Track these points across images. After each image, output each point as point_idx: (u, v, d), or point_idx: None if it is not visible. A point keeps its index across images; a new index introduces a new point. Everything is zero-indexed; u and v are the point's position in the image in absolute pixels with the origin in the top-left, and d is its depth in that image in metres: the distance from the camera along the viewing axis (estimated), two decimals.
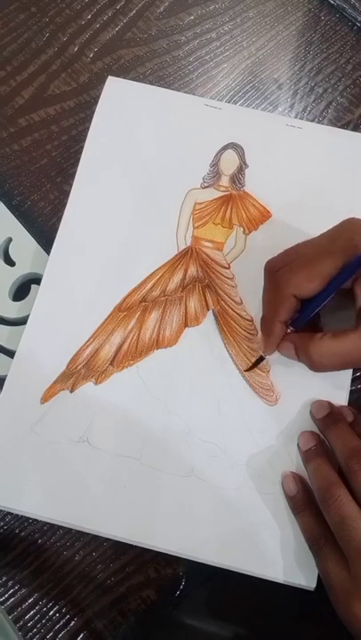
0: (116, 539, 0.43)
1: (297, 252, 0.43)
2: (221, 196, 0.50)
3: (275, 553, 0.42)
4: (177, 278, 0.48)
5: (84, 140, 0.51)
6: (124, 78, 0.54)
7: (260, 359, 0.46)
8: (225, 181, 0.50)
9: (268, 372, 0.46)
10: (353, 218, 0.41)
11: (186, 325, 0.47)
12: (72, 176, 0.50)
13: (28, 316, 0.47)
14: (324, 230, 0.42)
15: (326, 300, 0.41)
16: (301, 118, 0.55)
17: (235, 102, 0.55)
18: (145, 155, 0.51)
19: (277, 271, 0.43)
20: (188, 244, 0.49)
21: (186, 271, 0.48)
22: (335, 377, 0.46)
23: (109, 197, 0.50)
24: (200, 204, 0.50)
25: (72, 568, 0.45)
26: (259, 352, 0.46)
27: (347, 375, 0.46)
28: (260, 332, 0.46)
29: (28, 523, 0.45)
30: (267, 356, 0.45)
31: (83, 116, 0.54)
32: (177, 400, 0.45)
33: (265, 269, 0.44)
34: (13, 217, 0.51)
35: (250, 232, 0.49)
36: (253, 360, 0.46)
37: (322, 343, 0.41)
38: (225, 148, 0.51)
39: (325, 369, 0.42)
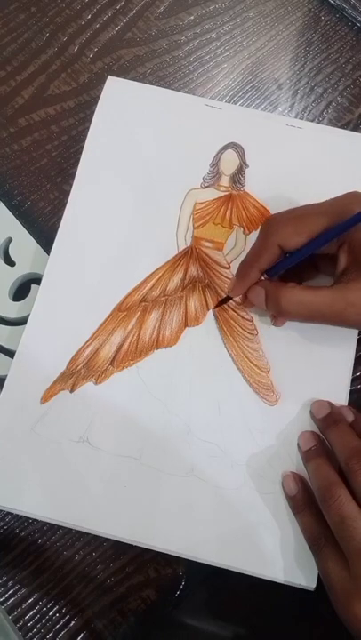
0: (116, 539, 0.43)
1: (292, 210, 0.43)
2: (221, 196, 0.50)
3: (275, 553, 0.42)
4: (177, 278, 0.48)
5: (84, 140, 0.51)
6: (124, 78, 0.54)
7: (227, 299, 0.46)
8: (225, 181, 0.50)
9: (268, 371, 0.46)
10: (356, 191, 0.42)
11: (186, 325, 0.47)
12: (72, 176, 0.50)
13: (28, 316, 0.47)
14: None
15: (307, 253, 0.42)
16: (301, 118, 0.55)
17: (235, 102, 0.55)
18: (145, 155, 0.51)
19: (268, 223, 0.43)
20: (188, 243, 0.49)
21: (186, 271, 0.48)
22: (335, 377, 0.46)
23: (109, 197, 0.50)
24: (200, 203, 0.50)
25: (72, 568, 0.45)
26: (259, 352, 0.46)
27: (347, 375, 0.46)
28: (261, 335, 0.46)
29: (28, 523, 0.45)
30: (235, 298, 0.46)
31: (83, 115, 0.54)
32: (177, 400, 0.45)
33: (262, 224, 0.45)
34: (13, 217, 0.51)
35: (250, 232, 0.49)
36: (253, 360, 0.46)
37: (293, 290, 0.42)
38: (225, 147, 0.51)
39: (291, 316, 0.43)
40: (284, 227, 0.42)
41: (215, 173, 0.50)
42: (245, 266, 0.44)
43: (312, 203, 0.43)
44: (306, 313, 0.41)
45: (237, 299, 0.47)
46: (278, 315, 0.43)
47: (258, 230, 0.49)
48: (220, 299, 0.47)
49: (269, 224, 0.43)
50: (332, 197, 0.42)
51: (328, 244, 0.42)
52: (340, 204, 0.41)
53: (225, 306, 0.47)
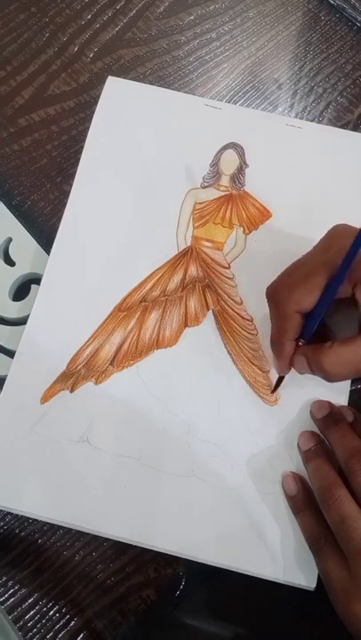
0: (116, 539, 0.43)
1: (292, 271, 0.42)
2: (221, 196, 0.50)
3: (275, 553, 0.42)
4: (177, 278, 0.48)
5: (84, 140, 0.51)
6: (124, 78, 0.54)
7: (281, 379, 0.45)
8: (225, 181, 0.50)
9: (268, 372, 0.46)
10: (339, 225, 0.41)
11: (186, 325, 0.47)
12: (72, 176, 0.50)
13: (28, 316, 0.47)
14: (324, 230, 0.42)
15: (325, 307, 0.41)
16: (301, 118, 0.55)
17: (235, 102, 0.55)
18: (145, 154, 0.51)
19: (276, 292, 0.42)
20: (189, 243, 0.49)
21: (186, 271, 0.48)
22: None
23: (109, 197, 0.50)
24: (200, 203, 0.50)
25: (72, 568, 0.45)
26: (259, 352, 0.46)
27: None
28: (261, 335, 0.46)
29: (28, 523, 0.45)
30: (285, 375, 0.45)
31: (83, 115, 0.54)
32: (177, 400, 0.45)
33: (266, 295, 0.43)
34: (13, 217, 0.51)
35: (250, 232, 0.49)
36: (253, 360, 0.46)
37: (332, 351, 0.40)
38: (225, 147, 0.51)
39: (341, 378, 0.41)
40: (294, 292, 0.41)
41: (215, 173, 0.50)
42: (277, 343, 0.43)
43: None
44: (352, 369, 0.40)
45: (244, 305, 0.47)
46: (326, 379, 0.41)
47: (258, 230, 0.49)
48: (220, 299, 0.47)
49: (277, 294, 0.42)
50: (319, 241, 0.41)
51: (341, 289, 0.40)
52: (335, 244, 0.40)
53: (225, 306, 0.47)
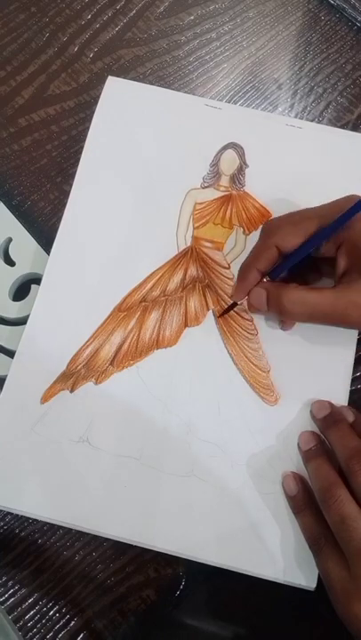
0: (116, 539, 0.43)
1: (291, 214, 0.44)
2: (221, 196, 0.50)
3: (275, 553, 0.42)
4: (177, 278, 0.48)
5: (84, 140, 0.51)
6: (124, 78, 0.54)
7: (233, 305, 0.46)
8: (225, 181, 0.50)
9: (268, 371, 0.46)
10: (354, 194, 0.42)
11: (186, 325, 0.47)
12: (72, 176, 0.50)
13: (28, 316, 0.47)
14: None
15: (304, 253, 0.42)
16: (301, 118, 0.55)
17: (235, 102, 0.55)
18: (145, 155, 0.51)
19: (268, 225, 0.44)
20: (188, 244, 0.49)
21: (186, 271, 0.48)
22: (335, 377, 0.46)
23: (109, 197, 0.50)
24: (200, 203, 0.50)
25: (72, 568, 0.45)
26: (259, 352, 0.46)
27: (347, 375, 0.46)
28: (261, 335, 0.46)
29: (28, 523, 0.45)
30: (239, 302, 0.46)
31: (83, 115, 0.54)
32: (177, 400, 0.45)
33: (261, 227, 0.45)
34: (13, 217, 0.51)
35: (250, 232, 0.49)
36: (253, 360, 0.46)
37: (295, 290, 0.42)
38: (225, 147, 0.51)
39: (292, 316, 0.43)
40: (282, 228, 0.43)
41: (215, 173, 0.50)
42: (245, 268, 0.45)
43: (311, 203, 0.44)
44: (308, 312, 0.42)
45: (244, 304, 0.47)
46: (280, 315, 0.43)
47: (258, 230, 0.49)
48: (220, 299, 0.47)
49: (267, 227, 0.44)
50: (331, 201, 0.43)
51: (326, 246, 0.42)
52: (337, 205, 0.42)
53: (225, 305, 0.47)
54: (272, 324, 0.47)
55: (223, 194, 0.50)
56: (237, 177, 0.50)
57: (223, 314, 0.47)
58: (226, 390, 0.45)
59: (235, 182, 0.50)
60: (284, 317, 0.43)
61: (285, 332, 0.46)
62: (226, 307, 0.47)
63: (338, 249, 0.42)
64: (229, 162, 0.50)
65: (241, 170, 0.50)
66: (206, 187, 0.50)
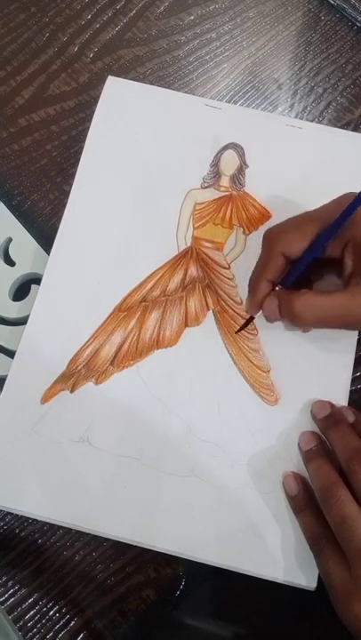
0: (116, 539, 0.43)
1: (292, 219, 0.44)
2: (221, 197, 0.50)
3: (275, 553, 0.42)
4: (177, 278, 0.48)
5: (84, 140, 0.51)
6: (124, 78, 0.54)
7: (250, 319, 0.46)
8: (225, 181, 0.50)
9: (268, 372, 0.46)
10: (350, 192, 0.42)
11: (186, 325, 0.47)
12: (72, 176, 0.50)
13: (28, 316, 0.47)
14: None
15: (312, 256, 0.42)
16: (301, 118, 0.55)
17: (235, 102, 0.55)
18: (145, 155, 0.51)
19: (270, 233, 0.44)
20: (189, 244, 0.49)
21: (186, 271, 0.48)
22: (335, 377, 0.46)
23: (109, 197, 0.50)
24: (200, 204, 0.50)
25: (72, 568, 0.45)
26: (259, 352, 0.46)
27: (347, 375, 0.46)
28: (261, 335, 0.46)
29: (27, 523, 0.45)
30: (256, 316, 0.46)
31: (83, 115, 0.54)
32: (177, 400, 0.45)
33: (263, 236, 0.45)
34: (13, 217, 0.51)
35: (250, 232, 0.49)
36: (253, 360, 0.46)
37: (306, 296, 0.41)
38: (225, 148, 0.51)
39: (305, 323, 0.42)
40: (285, 235, 0.43)
41: (215, 174, 0.50)
42: (255, 281, 0.45)
43: (312, 203, 0.43)
44: (320, 317, 0.41)
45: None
46: (293, 322, 0.42)
47: (258, 231, 0.49)
48: (220, 299, 0.47)
49: (270, 235, 0.44)
50: (329, 202, 0.43)
51: (331, 246, 0.42)
52: (337, 203, 0.42)
53: (225, 306, 0.47)
54: (272, 324, 0.47)
55: (223, 194, 0.50)
56: (237, 177, 0.50)
57: (240, 330, 0.46)
58: (226, 390, 0.45)
59: (235, 182, 0.50)
60: (297, 324, 0.43)
61: (283, 330, 0.46)
62: (243, 323, 0.46)
63: (344, 249, 0.42)
64: (229, 162, 0.50)
65: (241, 170, 0.50)
66: (206, 187, 0.50)
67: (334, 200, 0.42)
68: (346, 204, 0.40)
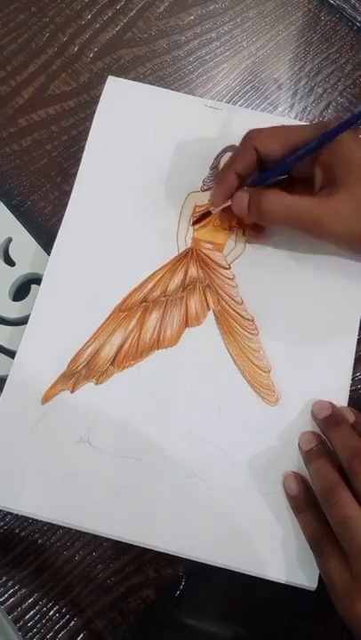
0: (116, 539, 0.43)
1: (275, 125, 0.45)
2: None
3: (276, 553, 0.42)
4: (177, 279, 0.48)
5: (84, 140, 0.51)
6: (124, 78, 0.54)
7: (207, 214, 0.46)
8: None
9: (268, 372, 0.46)
10: (328, 119, 0.44)
11: (186, 325, 0.47)
12: (72, 176, 0.50)
13: (28, 316, 0.47)
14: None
15: (289, 165, 0.43)
16: (301, 119, 0.55)
17: (235, 102, 0.55)
18: (145, 155, 0.51)
19: (250, 131, 0.45)
20: (189, 245, 0.49)
21: (186, 272, 0.48)
22: (335, 377, 0.46)
23: (110, 198, 0.50)
24: (200, 206, 0.49)
25: (72, 568, 0.45)
26: (259, 352, 0.46)
27: (347, 375, 0.46)
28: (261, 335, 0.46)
29: (28, 523, 0.45)
30: (214, 211, 0.46)
31: (83, 116, 0.54)
32: (177, 400, 0.45)
33: (243, 135, 0.45)
34: (13, 217, 0.51)
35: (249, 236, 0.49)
36: (253, 360, 0.46)
37: (276, 194, 0.42)
38: (225, 150, 0.51)
39: (270, 219, 0.43)
40: (263, 132, 0.44)
41: (215, 176, 0.50)
42: (223, 170, 0.46)
43: None
44: (285, 215, 0.42)
45: (244, 304, 0.47)
46: (258, 218, 0.43)
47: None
48: (220, 299, 0.47)
49: (248, 132, 0.45)
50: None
51: (304, 163, 0.43)
52: (320, 124, 0.43)
53: (226, 306, 0.47)
54: (273, 324, 0.47)
55: None
56: None
57: (195, 223, 0.47)
58: (226, 390, 0.45)
59: None
60: (262, 221, 0.44)
61: (283, 330, 0.47)
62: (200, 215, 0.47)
63: (314, 165, 0.43)
64: None
65: None
66: (206, 189, 0.50)
67: (313, 125, 0.44)
68: (331, 126, 0.41)
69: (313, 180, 0.43)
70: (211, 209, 0.47)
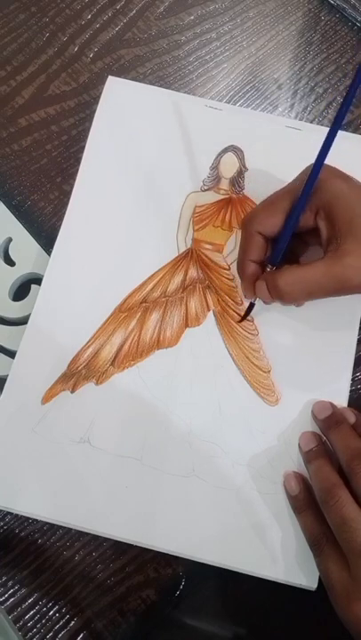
0: (116, 539, 0.43)
1: (263, 200, 0.44)
2: (221, 199, 0.50)
3: (276, 553, 0.43)
4: (177, 279, 0.48)
5: (84, 140, 0.51)
6: (124, 78, 0.54)
7: (251, 306, 0.46)
8: (225, 184, 0.50)
9: (268, 372, 0.46)
10: (312, 163, 0.42)
11: (186, 326, 0.47)
12: (72, 176, 0.50)
13: (28, 316, 0.47)
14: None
15: (290, 232, 0.42)
16: (302, 119, 0.55)
17: (235, 102, 0.55)
18: (145, 155, 0.51)
19: (245, 217, 0.45)
20: (189, 245, 0.49)
21: (186, 272, 0.48)
22: (335, 378, 0.46)
23: (110, 198, 0.50)
24: (200, 206, 0.50)
25: (72, 568, 0.45)
26: (259, 352, 0.46)
27: (347, 376, 0.46)
28: (261, 335, 0.46)
29: (27, 523, 0.45)
30: (255, 302, 0.46)
31: (83, 115, 0.54)
32: (178, 400, 0.45)
33: (240, 222, 0.45)
34: (13, 217, 0.51)
35: None
36: (253, 360, 0.46)
37: (289, 272, 0.42)
38: (225, 150, 0.51)
39: (293, 297, 0.42)
40: (258, 214, 0.44)
41: (215, 176, 0.50)
42: (239, 265, 0.45)
43: None
44: (305, 289, 0.41)
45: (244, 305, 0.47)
46: (282, 301, 0.43)
47: None
48: (220, 299, 0.47)
49: (245, 217, 0.45)
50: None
51: (304, 217, 0.42)
52: (303, 174, 0.43)
53: (226, 306, 0.47)
54: (273, 325, 0.47)
55: (223, 197, 0.50)
56: (237, 180, 0.50)
57: (243, 318, 0.47)
58: (226, 390, 0.45)
59: (234, 186, 0.50)
60: (286, 302, 0.43)
61: (283, 330, 0.47)
62: (245, 311, 0.47)
63: (316, 217, 0.42)
64: (229, 165, 0.50)
65: (240, 173, 0.50)
66: (206, 190, 0.50)
67: (299, 174, 0.43)
68: (308, 171, 0.41)
69: (318, 229, 0.43)
70: (251, 300, 0.46)
